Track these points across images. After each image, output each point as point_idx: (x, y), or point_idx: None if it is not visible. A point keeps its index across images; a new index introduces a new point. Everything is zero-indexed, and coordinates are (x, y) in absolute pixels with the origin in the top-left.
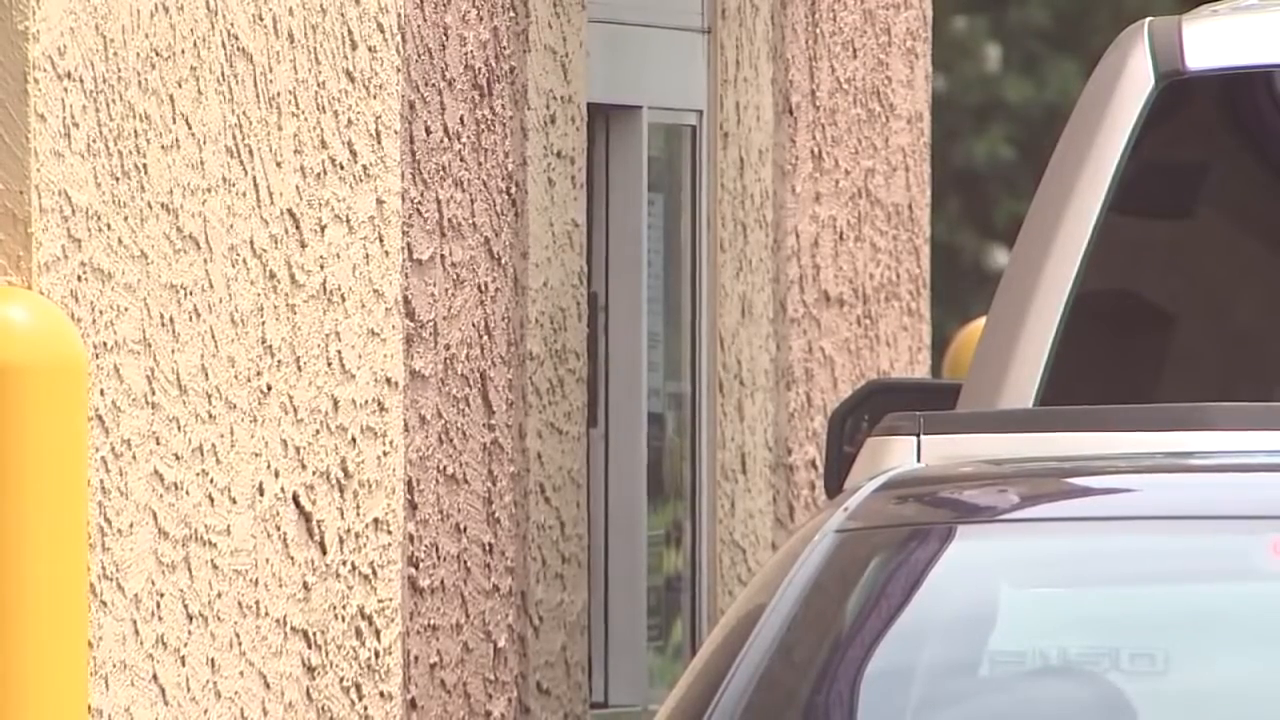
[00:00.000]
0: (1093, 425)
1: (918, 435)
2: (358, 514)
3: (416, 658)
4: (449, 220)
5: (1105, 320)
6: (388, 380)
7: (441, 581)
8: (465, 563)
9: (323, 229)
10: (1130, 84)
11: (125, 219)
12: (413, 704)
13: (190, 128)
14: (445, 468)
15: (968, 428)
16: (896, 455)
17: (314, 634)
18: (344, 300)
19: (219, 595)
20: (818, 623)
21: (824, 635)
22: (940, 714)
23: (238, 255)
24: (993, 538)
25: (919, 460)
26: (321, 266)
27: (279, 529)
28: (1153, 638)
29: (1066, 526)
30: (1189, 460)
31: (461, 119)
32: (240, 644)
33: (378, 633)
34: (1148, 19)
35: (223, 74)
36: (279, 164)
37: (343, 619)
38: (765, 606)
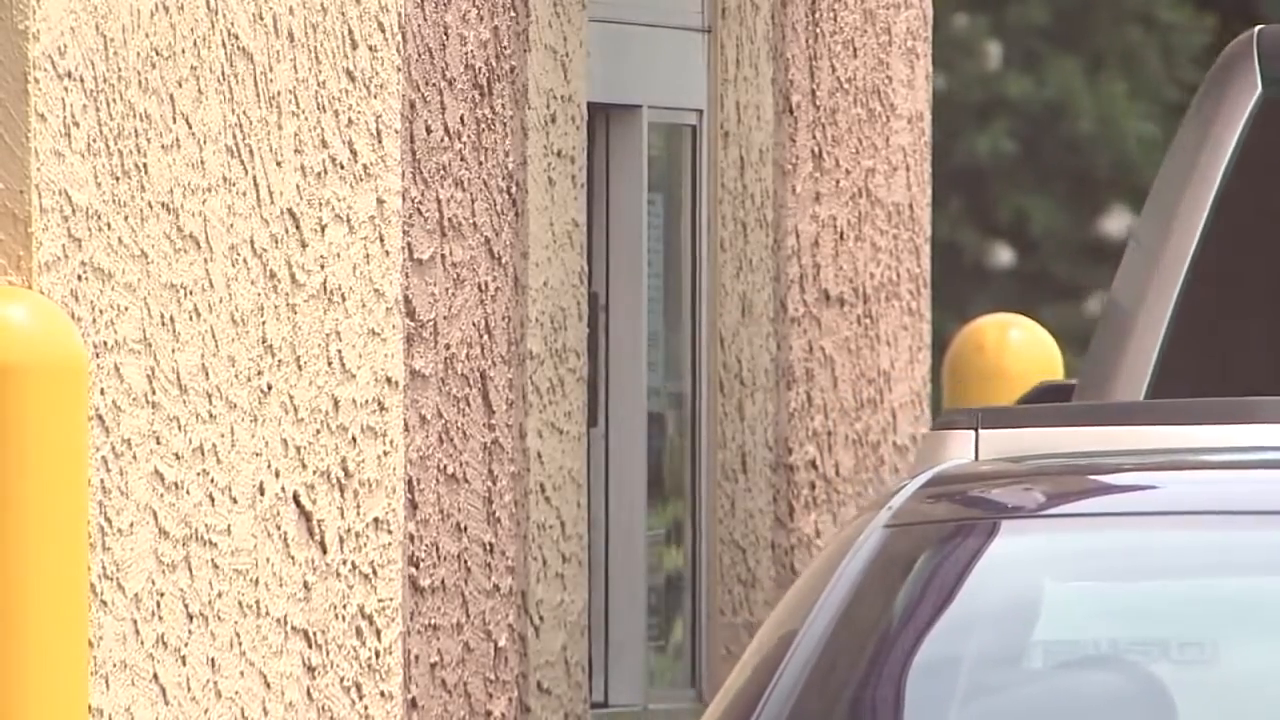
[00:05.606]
0: (1147, 419)
1: (975, 429)
2: (358, 513)
3: (417, 657)
4: (449, 220)
5: (1212, 319)
6: (388, 380)
7: (442, 581)
8: (466, 562)
9: (323, 228)
10: (1238, 91)
11: (125, 218)
12: (413, 703)
13: (190, 127)
14: (445, 467)
15: (1024, 422)
16: (955, 449)
17: (314, 633)
18: (344, 300)
19: (219, 595)
20: (867, 616)
21: (873, 628)
22: (989, 703)
23: (238, 255)
24: (1036, 532)
25: (976, 454)
26: (322, 266)
27: (279, 528)
28: (1199, 630)
29: (1110, 521)
30: (1231, 455)
31: (462, 118)
32: (241, 643)
33: (378, 632)
34: (1258, 27)
35: (223, 73)
36: (279, 163)
37: (343, 618)
38: (816, 600)
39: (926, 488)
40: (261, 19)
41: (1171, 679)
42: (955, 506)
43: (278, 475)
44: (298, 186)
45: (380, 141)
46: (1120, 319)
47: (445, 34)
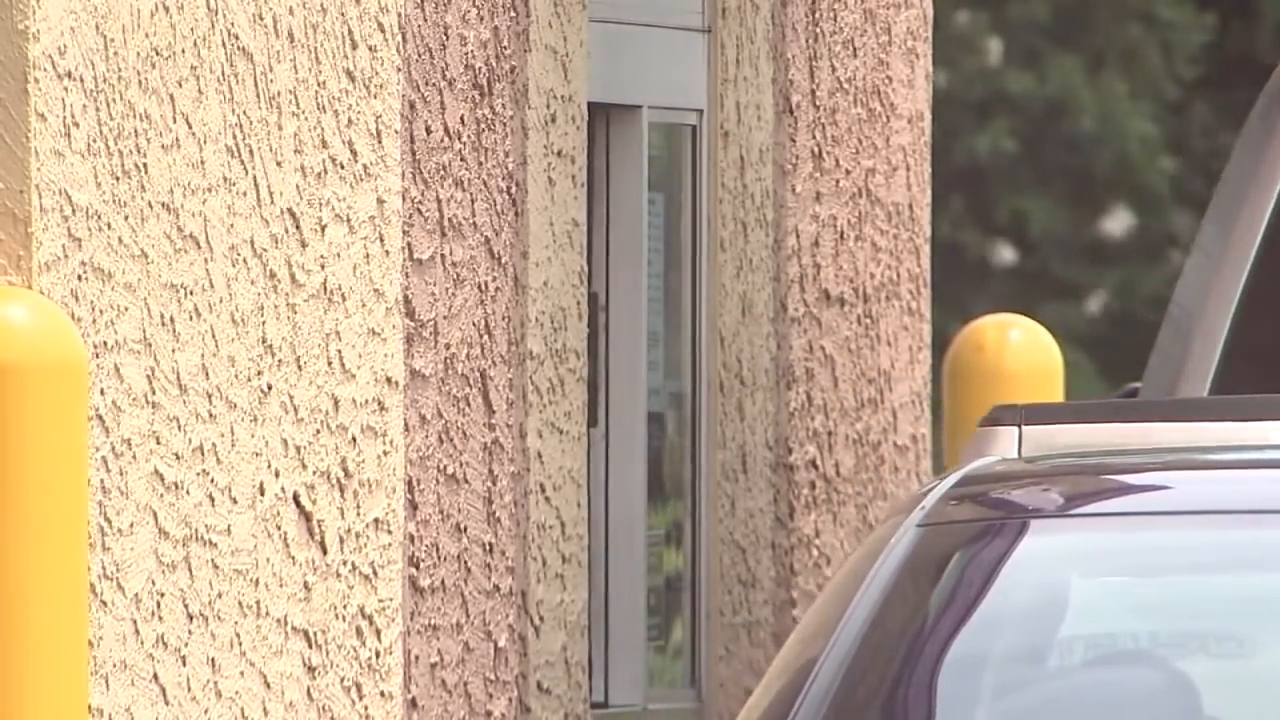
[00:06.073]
0: (1189, 415)
1: (1019, 426)
2: (358, 514)
3: (417, 657)
4: (449, 220)
5: (1275, 322)
6: (388, 380)
7: (442, 581)
8: (465, 562)
9: (323, 228)
10: None
11: (125, 218)
12: (413, 704)
13: (190, 127)
14: (445, 467)
15: (1067, 418)
16: (1000, 445)
17: (314, 634)
18: (344, 300)
19: (219, 595)
20: (903, 613)
21: (909, 625)
22: (1027, 697)
23: (238, 255)
24: (1068, 531)
25: (1019, 450)
26: (322, 266)
27: (279, 529)
28: (1230, 625)
29: (1139, 521)
30: (1255, 454)
31: (462, 118)
32: (241, 644)
33: (378, 632)
34: None
35: (223, 73)
36: (279, 163)
37: (343, 619)
38: (851, 599)
39: (957, 487)
40: (261, 19)
41: (1204, 674)
42: (987, 506)
43: (278, 475)
44: (298, 186)
45: (380, 141)
46: (1183, 322)
47: (445, 34)
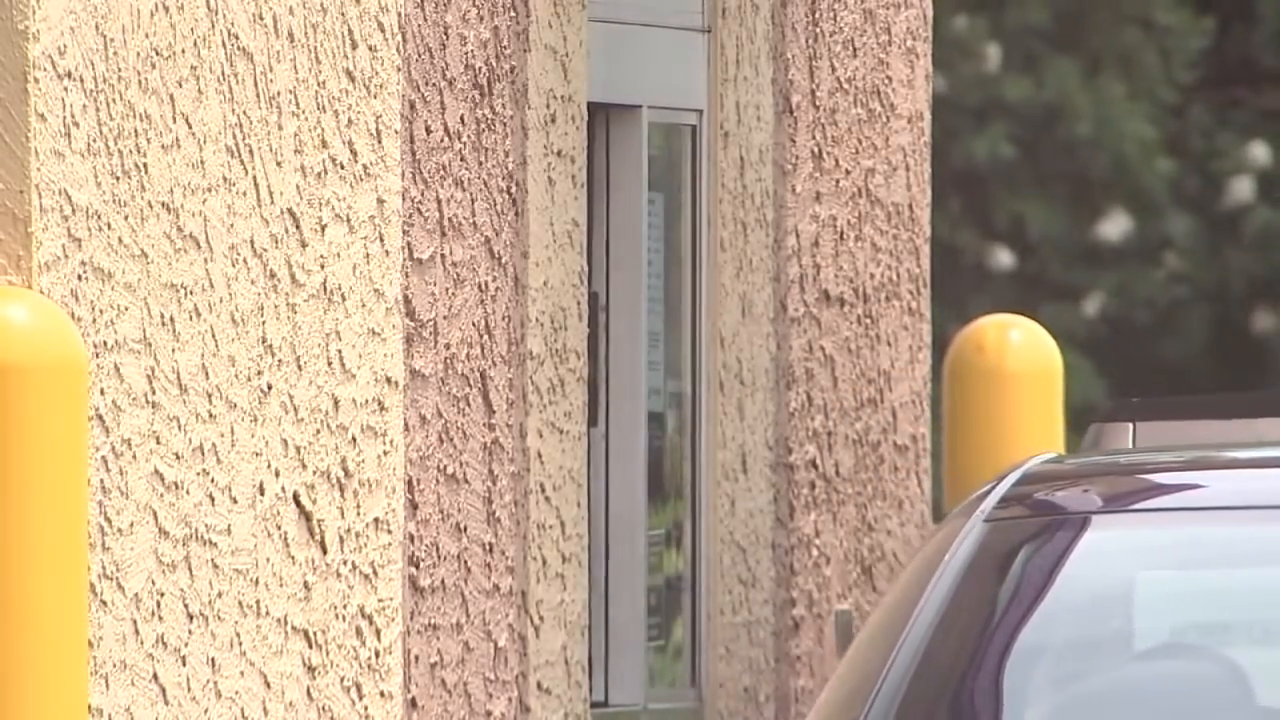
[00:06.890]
0: None
1: (1133, 421)
2: (358, 513)
3: (417, 657)
4: (449, 219)
5: None
6: (388, 379)
7: (442, 581)
8: (466, 562)
9: (323, 228)
10: None
11: (125, 218)
12: (413, 703)
13: (190, 127)
14: (445, 467)
15: (1177, 414)
16: (1117, 437)
17: (314, 633)
18: (344, 300)
19: (219, 595)
20: (973, 605)
21: (980, 616)
22: (1097, 683)
23: (238, 255)
24: (1129, 526)
25: (1133, 443)
26: (322, 266)
27: (279, 528)
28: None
29: (1198, 516)
30: None
31: (462, 118)
32: (241, 643)
33: (378, 632)
34: None
35: (223, 73)
36: (279, 163)
37: (343, 618)
38: (922, 593)
39: (1018, 485)
40: (261, 19)
41: (1264, 663)
42: (1050, 502)
43: (278, 475)
44: (298, 186)
45: (380, 141)
46: None
47: (445, 34)
